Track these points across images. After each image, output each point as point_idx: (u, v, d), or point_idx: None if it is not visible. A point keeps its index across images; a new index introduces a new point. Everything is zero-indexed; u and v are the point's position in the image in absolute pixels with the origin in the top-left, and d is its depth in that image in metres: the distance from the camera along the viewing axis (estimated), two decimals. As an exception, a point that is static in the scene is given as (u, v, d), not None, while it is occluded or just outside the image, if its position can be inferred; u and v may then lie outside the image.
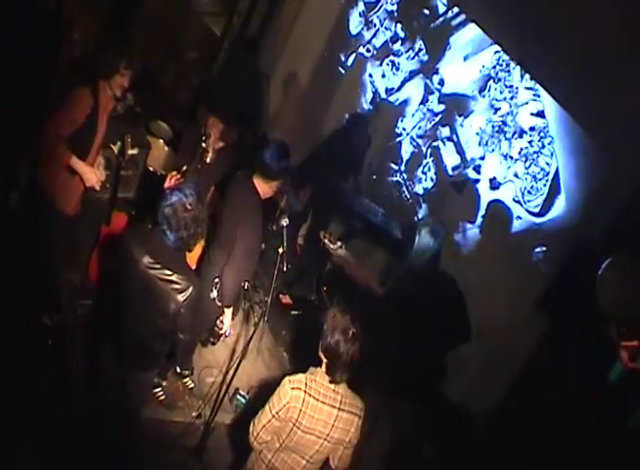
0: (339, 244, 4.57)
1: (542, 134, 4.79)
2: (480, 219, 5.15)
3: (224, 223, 4.19)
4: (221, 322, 4.32)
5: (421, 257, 4.22)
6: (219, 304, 4.22)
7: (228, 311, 4.29)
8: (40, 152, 4.10)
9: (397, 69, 6.09)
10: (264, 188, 4.13)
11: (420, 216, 5.77)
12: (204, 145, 4.69)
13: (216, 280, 4.17)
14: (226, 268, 4.10)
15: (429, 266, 4.28)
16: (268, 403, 3.21)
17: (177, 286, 3.35)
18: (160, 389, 4.58)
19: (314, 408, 3.15)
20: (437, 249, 4.25)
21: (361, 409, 3.23)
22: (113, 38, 6.34)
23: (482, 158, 5.24)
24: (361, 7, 6.48)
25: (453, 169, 5.50)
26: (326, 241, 4.54)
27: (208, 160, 4.75)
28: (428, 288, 4.21)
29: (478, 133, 5.30)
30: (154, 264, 3.34)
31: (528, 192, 4.84)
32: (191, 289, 3.38)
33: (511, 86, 5.06)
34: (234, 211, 4.13)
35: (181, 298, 3.35)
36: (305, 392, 3.15)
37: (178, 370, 4.76)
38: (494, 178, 5.12)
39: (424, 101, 5.82)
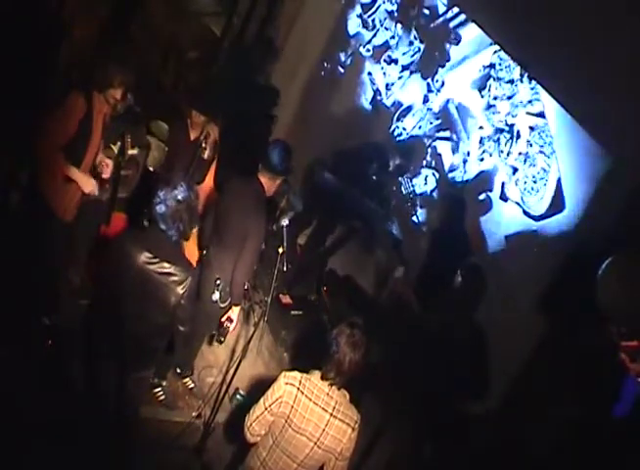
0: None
1: (542, 134, 4.79)
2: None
3: (230, 223, 4.19)
4: (229, 320, 4.30)
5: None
6: (222, 305, 4.22)
7: (236, 309, 4.29)
8: (37, 158, 4.14)
9: (397, 67, 6.09)
10: (269, 185, 4.18)
11: (419, 216, 5.77)
12: (203, 145, 4.72)
13: (218, 281, 4.17)
14: (239, 265, 4.11)
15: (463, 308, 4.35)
16: (263, 396, 3.23)
17: (176, 278, 3.38)
18: (159, 389, 4.58)
19: (305, 408, 3.14)
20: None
21: (356, 422, 3.18)
22: (112, 40, 6.35)
23: (482, 158, 5.24)
24: (358, 9, 6.48)
25: (453, 170, 5.50)
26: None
27: (206, 156, 4.79)
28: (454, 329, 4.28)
29: (477, 133, 5.30)
30: (152, 259, 3.37)
31: (528, 192, 4.84)
32: (190, 279, 3.41)
33: (511, 86, 5.06)
34: (242, 210, 4.12)
35: (180, 289, 3.39)
36: (298, 389, 3.15)
37: (178, 371, 4.76)
38: (495, 178, 5.12)
39: (424, 101, 5.82)
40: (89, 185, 4.16)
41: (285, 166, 4.16)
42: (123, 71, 4.08)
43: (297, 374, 3.21)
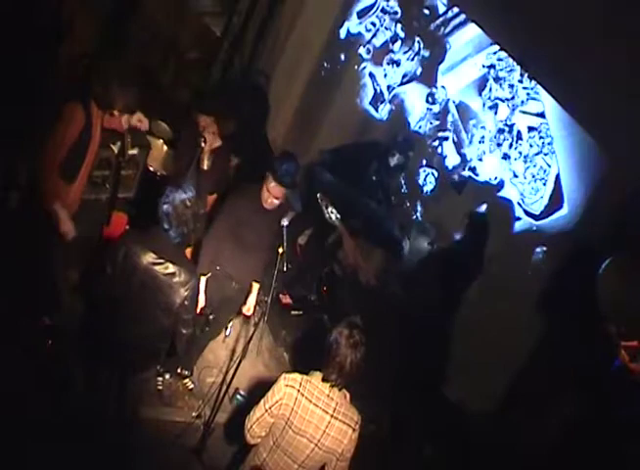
0: (336, 213, 4.61)
1: (542, 134, 4.79)
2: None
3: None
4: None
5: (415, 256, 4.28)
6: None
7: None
8: (36, 166, 4.13)
9: (398, 67, 6.09)
10: (275, 192, 4.23)
11: (419, 216, 5.77)
12: (202, 145, 4.73)
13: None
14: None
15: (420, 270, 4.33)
16: (263, 398, 3.23)
17: (180, 279, 3.40)
18: (161, 379, 4.59)
19: (305, 409, 3.14)
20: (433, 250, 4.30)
21: (356, 422, 3.18)
22: (112, 40, 6.36)
23: (482, 158, 5.24)
24: (358, 11, 6.47)
25: (453, 169, 5.50)
26: (324, 208, 4.57)
27: (205, 167, 4.79)
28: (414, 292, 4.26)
29: (477, 133, 5.30)
30: (157, 260, 3.38)
31: (529, 192, 4.84)
32: (193, 280, 3.44)
33: (511, 86, 5.06)
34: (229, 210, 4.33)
35: (184, 291, 3.42)
36: (299, 391, 3.15)
37: (179, 370, 4.76)
38: (495, 178, 5.12)
39: (424, 101, 5.81)
40: (67, 228, 4.14)
41: (292, 181, 4.24)
42: (126, 94, 4.04)
43: (297, 376, 3.21)
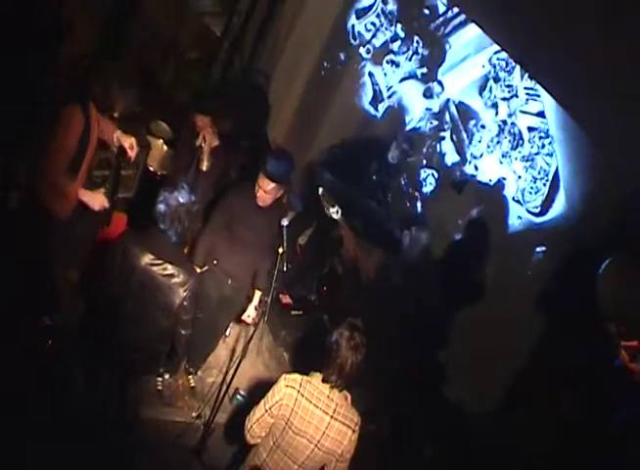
0: (335, 208, 4.62)
1: (542, 134, 4.79)
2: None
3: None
4: None
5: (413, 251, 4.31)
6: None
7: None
8: (37, 170, 4.14)
9: (398, 68, 6.09)
10: (264, 186, 4.20)
11: (419, 216, 5.77)
12: (202, 145, 4.73)
13: None
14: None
15: (417, 263, 4.34)
16: (264, 399, 3.23)
17: (178, 279, 3.40)
18: (160, 379, 4.59)
19: (305, 410, 3.14)
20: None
21: (356, 423, 3.19)
22: (112, 40, 6.36)
23: (482, 157, 5.24)
24: (358, 11, 6.47)
25: (453, 169, 5.50)
26: (325, 203, 4.58)
27: (204, 168, 4.79)
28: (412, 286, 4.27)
29: (477, 133, 5.30)
30: (155, 260, 3.38)
31: (528, 192, 4.84)
32: (192, 281, 3.44)
33: (511, 86, 5.06)
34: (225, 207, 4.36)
35: (183, 292, 3.42)
36: (299, 392, 3.15)
37: (186, 365, 4.77)
38: (495, 178, 5.12)
39: (423, 101, 5.81)
40: (99, 201, 4.16)
41: (280, 175, 4.22)
42: (126, 96, 4.04)
43: (297, 377, 3.21)
